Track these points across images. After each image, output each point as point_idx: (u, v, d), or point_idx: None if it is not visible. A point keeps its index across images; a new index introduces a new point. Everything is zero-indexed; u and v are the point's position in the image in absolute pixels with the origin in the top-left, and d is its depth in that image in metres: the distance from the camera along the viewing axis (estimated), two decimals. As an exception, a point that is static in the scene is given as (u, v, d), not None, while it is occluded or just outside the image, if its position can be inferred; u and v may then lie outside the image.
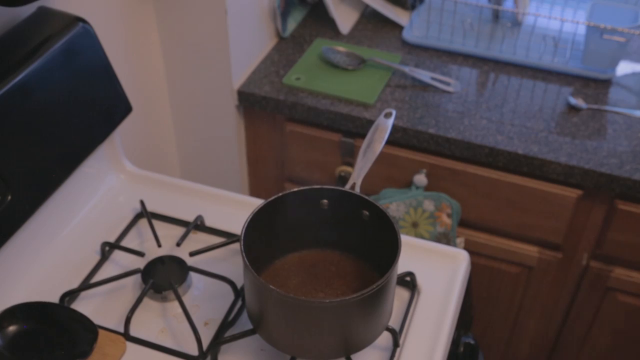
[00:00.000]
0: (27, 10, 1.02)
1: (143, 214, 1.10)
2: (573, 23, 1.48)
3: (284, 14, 1.52)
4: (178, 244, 1.04)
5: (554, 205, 1.34)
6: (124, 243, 1.07)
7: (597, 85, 1.44)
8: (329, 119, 1.37)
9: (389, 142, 1.33)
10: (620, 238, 1.34)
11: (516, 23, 1.59)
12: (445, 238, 1.38)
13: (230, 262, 1.04)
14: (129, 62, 1.31)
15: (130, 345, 0.92)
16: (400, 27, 1.60)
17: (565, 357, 1.61)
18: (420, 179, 1.37)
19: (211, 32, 1.33)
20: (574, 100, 1.38)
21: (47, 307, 0.92)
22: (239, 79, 1.42)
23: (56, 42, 0.98)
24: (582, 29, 1.51)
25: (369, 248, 0.94)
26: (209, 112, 1.46)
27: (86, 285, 0.99)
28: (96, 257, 1.04)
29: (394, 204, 1.37)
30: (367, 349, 0.88)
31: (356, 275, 0.95)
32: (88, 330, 0.89)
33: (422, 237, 1.38)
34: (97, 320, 0.92)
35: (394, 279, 0.86)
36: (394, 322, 0.93)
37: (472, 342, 1.06)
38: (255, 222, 0.88)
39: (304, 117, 1.39)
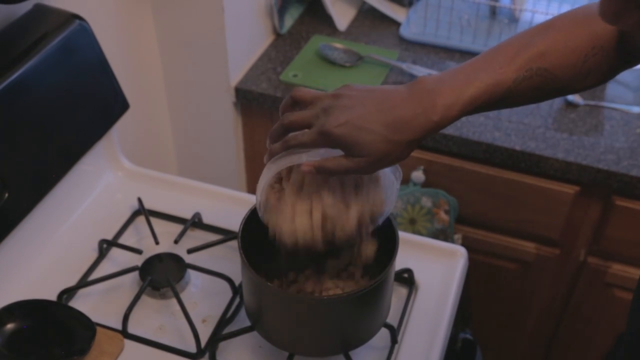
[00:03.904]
0: (24, 7, 1.01)
1: (141, 211, 1.10)
2: (570, 19, 1.48)
3: (281, 11, 1.52)
4: (176, 241, 1.04)
5: (552, 202, 1.34)
6: (121, 240, 1.07)
7: (594, 82, 1.44)
8: (327, 116, 1.37)
9: (386, 139, 1.32)
10: (618, 234, 1.34)
11: (513, 19, 1.59)
12: (442, 234, 1.38)
13: (228, 259, 1.04)
14: (126, 59, 1.31)
15: (128, 343, 0.92)
16: (397, 24, 1.60)
17: (563, 353, 1.61)
18: (418, 175, 1.37)
19: (208, 29, 1.33)
20: (571, 97, 1.38)
21: (45, 305, 0.92)
22: (236, 76, 1.42)
23: (53, 40, 0.98)
24: (579, 25, 1.51)
25: (366, 245, 0.94)
26: (206, 110, 1.46)
27: (84, 282, 0.99)
28: (94, 255, 1.04)
29: (392, 201, 1.37)
30: (365, 346, 0.88)
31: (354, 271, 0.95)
32: (86, 328, 0.89)
33: (419, 233, 1.38)
34: (95, 317, 0.92)
35: (392, 276, 0.86)
36: (392, 319, 0.93)
37: (470, 338, 1.06)
38: (253, 219, 0.88)
39: (301, 114, 1.39)
